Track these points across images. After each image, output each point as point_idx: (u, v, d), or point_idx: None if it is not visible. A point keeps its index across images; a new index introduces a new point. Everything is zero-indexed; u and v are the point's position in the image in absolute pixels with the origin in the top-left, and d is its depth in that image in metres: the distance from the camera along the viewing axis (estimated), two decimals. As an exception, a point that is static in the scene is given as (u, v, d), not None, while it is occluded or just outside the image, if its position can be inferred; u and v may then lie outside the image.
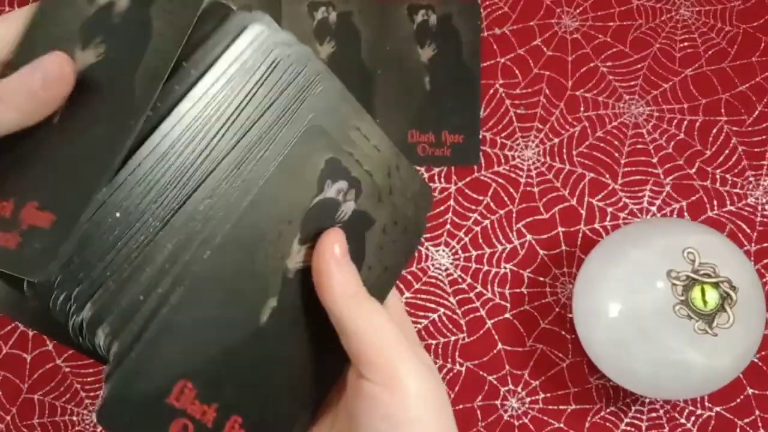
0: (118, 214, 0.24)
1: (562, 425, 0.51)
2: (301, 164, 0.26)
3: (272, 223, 0.26)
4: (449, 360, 0.52)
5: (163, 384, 0.24)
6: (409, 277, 0.53)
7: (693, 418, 0.51)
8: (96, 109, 0.25)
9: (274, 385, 0.27)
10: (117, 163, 0.23)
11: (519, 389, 0.52)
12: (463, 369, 0.52)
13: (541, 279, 0.53)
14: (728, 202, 0.54)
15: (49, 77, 0.25)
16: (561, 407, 0.51)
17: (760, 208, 0.54)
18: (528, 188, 0.55)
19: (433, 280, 0.53)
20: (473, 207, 0.54)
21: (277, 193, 0.26)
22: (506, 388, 0.52)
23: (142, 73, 0.25)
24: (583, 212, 0.54)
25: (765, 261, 0.53)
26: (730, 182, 0.55)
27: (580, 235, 0.54)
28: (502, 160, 0.55)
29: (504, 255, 0.54)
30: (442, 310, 0.53)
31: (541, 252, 0.54)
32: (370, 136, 0.28)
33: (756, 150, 0.55)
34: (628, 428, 0.51)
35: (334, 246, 0.27)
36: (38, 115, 0.25)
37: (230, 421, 0.26)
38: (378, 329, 0.27)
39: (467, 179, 0.55)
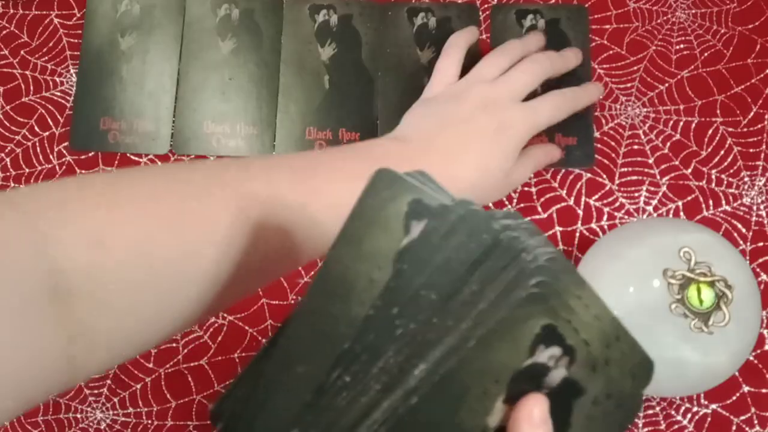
0: (347, 378, 0.27)
1: (560, 422, 0.51)
2: (516, 328, 0.26)
3: (480, 380, 0.26)
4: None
5: None
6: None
7: (689, 416, 0.52)
8: None
9: None
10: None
11: (517, 387, 0.52)
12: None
13: (539, 278, 0.54)
14: (724, 202, 0.55)
15: None
16: (559, 405, 0.52)
17: (755, 207, 0.55)
18: (526, 188, 0.55)
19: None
20: (472, 207, 0.55)
21: (488, 354, 0.26)
22: (505, 386, 0.52)
23: None
24: (581, 212, 0.55)
25: (760, 260, 0.54)
26: (725, 182, 0.55)
27: (578, 234, 0.55)
28: (501, 161, 0.56)
29: (502, 254, 0.54)
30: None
31: (539, 251, 0.54)
32: (591, 305, 0.27)
33: (751, 150, 0.56)
34: (625, 425, 0.51)
35: (532, 410, 0.27)
36: None
37: None
38: None
39: (466, 180, 0.55)
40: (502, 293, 0.25)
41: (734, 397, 0.52)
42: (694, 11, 0.59)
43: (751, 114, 0.56)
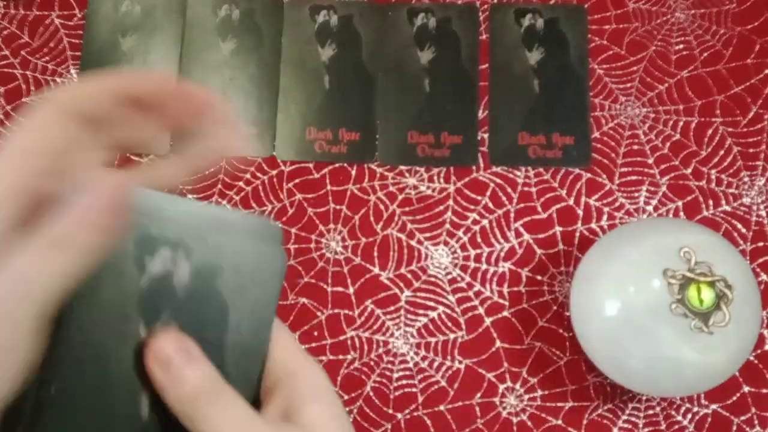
0: None
1: (560, 422, 0.52)
2: (113, 257, 0.25)
3: (113, 324, 0.25)
4: (448, 357, 0.52)
5: None
6: (409, 275, 0.54)
7: (689, 416, 0.52)
8: None
9: None
10: None
11: (517, 386, 0.52)
12: (462, 366, 0.52)
13: (539, 278, 0.54)
14: (724, 202, 0.55)
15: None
16: (559, 404, 0.52)
17: (755, 207, 0.55)
18: (526, 188, 0.55)
19: (433, 279, 0.54)
20: (472, 207, 0.55)
21: (101, 296, 0.25)
22: (505, 386, 0.52)
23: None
24: (581, 212, 0.55)
25: (760, 260, 0.54)
26: (725, 182, 0.55)
27: (578, 234, 0.55)
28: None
29: (502, 254, 0.54)
30: (441, 308, 0.53)
31: (539, 251, 0.54)
32: (178, 203, 0.27)
33: (751, 150, 0.56)
34: (626, 425, 0.51)
35: (154, 353, 0.25)
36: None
37: None
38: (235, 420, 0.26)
39: (466, 179, 0.56)
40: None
41: (734, 397, 0.52)
42: (693, 11, 0.59)
43: (751, 114, 0.57)
